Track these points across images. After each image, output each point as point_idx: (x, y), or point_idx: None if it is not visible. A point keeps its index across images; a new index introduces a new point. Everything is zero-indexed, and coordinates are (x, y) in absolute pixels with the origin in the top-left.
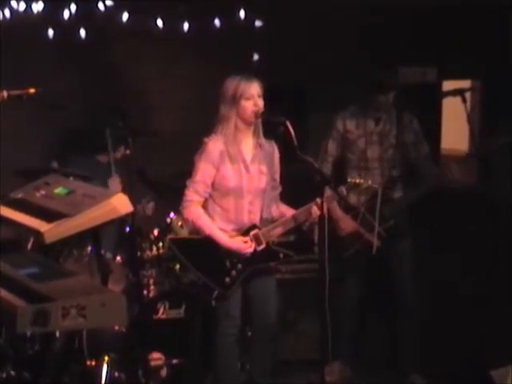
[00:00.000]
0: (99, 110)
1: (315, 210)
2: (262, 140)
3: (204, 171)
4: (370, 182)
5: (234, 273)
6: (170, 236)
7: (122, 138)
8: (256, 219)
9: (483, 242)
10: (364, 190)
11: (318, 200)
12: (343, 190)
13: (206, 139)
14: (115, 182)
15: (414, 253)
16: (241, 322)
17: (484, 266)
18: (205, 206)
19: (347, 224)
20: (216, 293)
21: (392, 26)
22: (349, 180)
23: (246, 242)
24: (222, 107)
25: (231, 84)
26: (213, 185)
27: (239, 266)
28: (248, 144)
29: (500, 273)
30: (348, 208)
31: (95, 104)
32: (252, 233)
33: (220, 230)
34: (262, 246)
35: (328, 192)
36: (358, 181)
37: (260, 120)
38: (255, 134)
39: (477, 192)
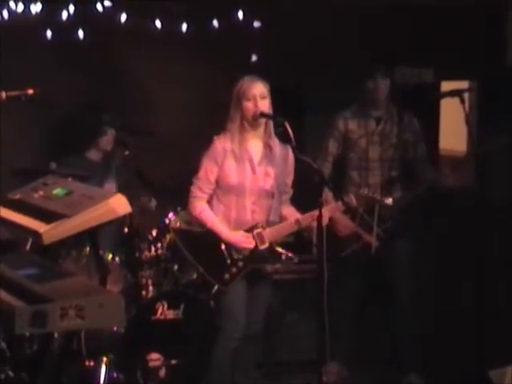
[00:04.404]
0: (84, 107)
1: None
2: (274, 142)
3: (207, 168)
4: (386, 200)
5: (234, 270)
6: (173, 226)
7: (102, 127)
8: (260, 220)
9: (481, 243)
10: (371, 200)
11: (323, 207)
12: (352, 198)
13: (215, 137)
14: (111, 187)
15: (412, 254)
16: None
17: (482, 266)
18: (210, 204)
19: (345, 226)
20: (215, 288)
21: (391, 27)
22: (361, 191)
23: (247, 238)
24: (231, 106)
25: (238, 84)
26: (217, 182)
27: (240, 263)
28: (257, 144)
29: (498, 273)
30: (347, 209)
31: (80, 102)
32: (256, 231)
33: (221, 224)
34: (265, 246)
35: (332, 202)
36: (370, 194)
37: (272, 122)
38: (265, 135)
39: (475, 194)
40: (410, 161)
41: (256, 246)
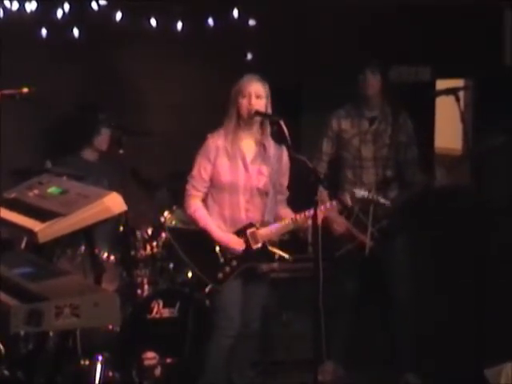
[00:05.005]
0: (81, 107)
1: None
2: (269, 142)
3: (200, 166)
4: (381, 200)
5: (227, 269)
6: (167, 224)
7: (98, 127)
8: (254, 218)
9: (478, 244)
10: (367, 201)
11: (318, 208)
12: (347, 199)
13: (208, 134)
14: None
15: (409, 254)
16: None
17: (481, 266)
18: (205, 203)
19: (340, 225)
20: (209, 288)
21: (391, 26)
22: (356, 193)
23: (237, 240)
24: (229, 103)
25: (236, 82)
26: (210, 180)
27: (234, 262)
28: (250, 143)
29: (496, 273)
30: (342, 208)
31: (76, 102)
32: (249, 231)
33: (215, 224)
34: (258, 246)
35: (327, 201)
36: (366, 196)
37: (267, 121)
38: (260, 134)
39: (472, 193)
40: (400, 162)
41: (249, 246)
